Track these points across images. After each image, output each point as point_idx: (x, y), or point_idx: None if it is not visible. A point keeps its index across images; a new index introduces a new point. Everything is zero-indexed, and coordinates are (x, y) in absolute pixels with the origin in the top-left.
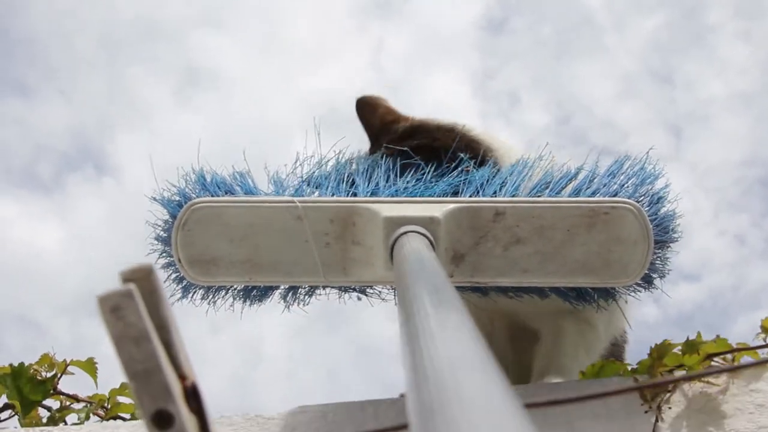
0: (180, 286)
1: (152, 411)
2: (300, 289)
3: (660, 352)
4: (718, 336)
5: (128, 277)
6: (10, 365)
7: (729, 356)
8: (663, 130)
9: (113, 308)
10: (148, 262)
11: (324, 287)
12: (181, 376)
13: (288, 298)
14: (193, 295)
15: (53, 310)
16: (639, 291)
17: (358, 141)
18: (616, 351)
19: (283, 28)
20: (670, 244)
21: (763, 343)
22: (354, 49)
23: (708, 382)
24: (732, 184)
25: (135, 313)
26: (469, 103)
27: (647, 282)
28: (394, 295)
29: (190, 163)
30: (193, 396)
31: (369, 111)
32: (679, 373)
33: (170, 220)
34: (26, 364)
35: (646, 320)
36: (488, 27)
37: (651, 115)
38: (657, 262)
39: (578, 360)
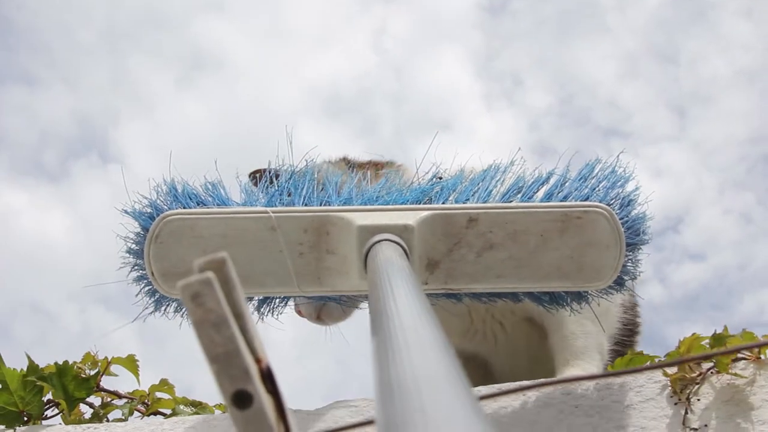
0: (152, 299)
1: (232, 392)
2: (274, 300)
3: (688, 346)
4: (744, 330)
5: (203, 267)
6: (56, 363)
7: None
8: (667, 109)
9: (194, 295)
10: (222, 253)
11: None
12: (257, 359)
13: (261, 310)
14: (166, 309)
15: (62, 298)
16: (611, 293)
17: (360, 128)
18: (626, 332)
19: (286, 12)
20: (641, 247)
21: None
22: (357, 32)
23: (735, 375)
24: (737, 162)
25: (214, 300)
26: (472, 84)
27: (619, 284)
28: (368, 305)
29: (161, 173)
30: (268, 377)
31: None
32: (707, 365)
33: (142, 232)
34: (70, 362)
35: (651, 300)
36: (490, 7)
37: (654, 94)
38: (629, 264)
39: (587, 333)
